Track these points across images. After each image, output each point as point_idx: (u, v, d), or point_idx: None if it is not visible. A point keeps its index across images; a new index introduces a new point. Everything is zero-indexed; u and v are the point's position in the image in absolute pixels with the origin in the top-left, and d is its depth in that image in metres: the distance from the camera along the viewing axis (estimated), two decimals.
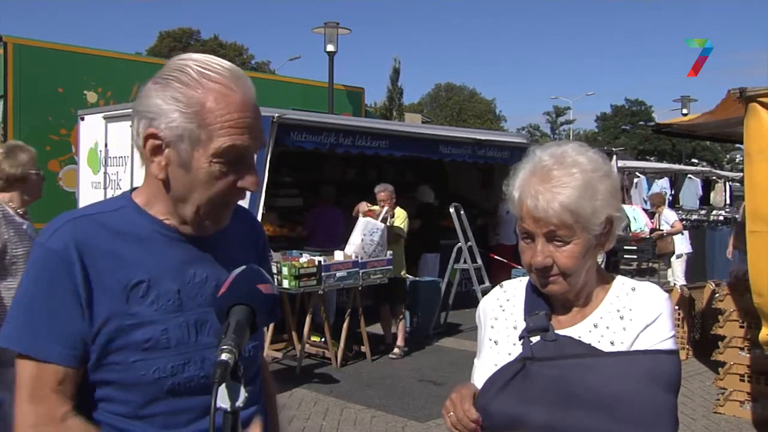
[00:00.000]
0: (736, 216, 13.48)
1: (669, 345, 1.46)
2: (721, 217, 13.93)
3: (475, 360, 1.63)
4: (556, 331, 1.50)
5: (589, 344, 1.47)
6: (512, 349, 1.52)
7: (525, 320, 1.54)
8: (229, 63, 1.36)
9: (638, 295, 1.51)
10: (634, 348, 1.45)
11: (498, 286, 1.69)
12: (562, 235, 1.43)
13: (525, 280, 1.61)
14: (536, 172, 1.46)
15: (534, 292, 1.56)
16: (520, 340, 1.52)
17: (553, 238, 1.44)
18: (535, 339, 1.50)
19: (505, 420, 1.44)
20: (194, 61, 1.34)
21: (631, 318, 1.48)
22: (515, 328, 1.55)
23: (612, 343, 1.46)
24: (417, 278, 8.77)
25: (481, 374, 1.55)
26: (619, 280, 1.56)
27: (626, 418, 1.38)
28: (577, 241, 1.44)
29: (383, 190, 7.78)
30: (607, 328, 1.48)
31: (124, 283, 1.33)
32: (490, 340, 1.59)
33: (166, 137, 1.31)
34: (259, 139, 1.36)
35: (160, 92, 1.32)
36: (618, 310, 1.50)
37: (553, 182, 1.43)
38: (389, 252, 7.42)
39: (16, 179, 3.65)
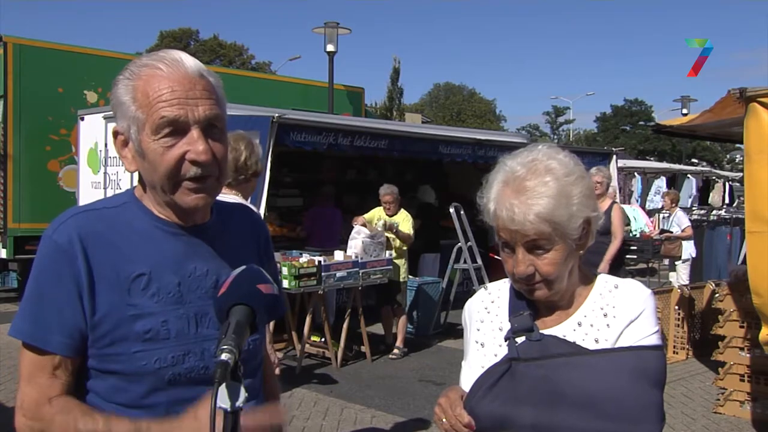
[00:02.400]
0: (737, 216, 13.45)
1: (653, 341, 1.46)
2: (720, 217, 13.92)
3: (462, 362, 1.63)
4: (541, 331, 1.50)
5: (574, 343, 1.47)
6: (498, 351, 1.53)
7: (510, 321, 1.54)
8: (175, 51, 1.41)
9: (621, 292, 1.51)
10: (618, 345, 1.45)
11: (482, 288, 1.69)
12: (542, 244, 1.43)
13: (509, 281, 1.61)
14: (509, 183, 1.46)
15: (518, 294, 1.56)
16: (505, 341, 1.52)
17: (533, 248, 1.44)
18: (520, 340, 1.50)
19: (493, 421, 1.44)
20: (141, 57, 1.42)
21: (614, 315, 1.48)
22: (500, 329, 1.56)
23: (596, 341, 1.47)
24: (417, 278, 8.76)
25: (468, 377, 1.55)
26: (602, 278, 1.57)
27: (613, 415, 1.38)
28: (558, 248, 1.44)
29: (389, 193, 7.58)
30: (591, 326, 1.49)
31: (125, 276, 1.37)
32: (476, 342, 1.59)
33: (124, 131, 1.39)
34: (200, 109, 1.34)
35: (115, 92, 1.40)
36: (601, 308, 1.50)
37: (528, 194, 1.43)
38: (389, 252, 7.42)
39: (256, 175, 3.40)
